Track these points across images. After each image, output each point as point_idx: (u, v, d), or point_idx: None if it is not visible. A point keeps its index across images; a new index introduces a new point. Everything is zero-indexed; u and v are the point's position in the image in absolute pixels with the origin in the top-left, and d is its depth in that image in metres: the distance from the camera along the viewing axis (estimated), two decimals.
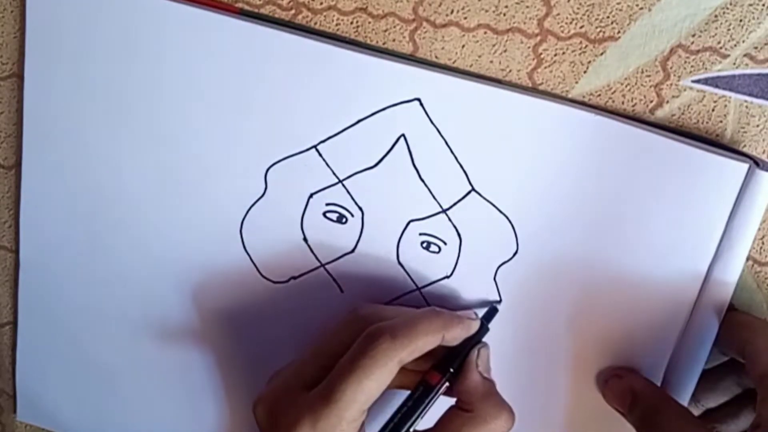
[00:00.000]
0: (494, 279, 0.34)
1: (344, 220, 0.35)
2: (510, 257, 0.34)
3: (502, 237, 0.33)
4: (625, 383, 0.33)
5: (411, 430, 0.31)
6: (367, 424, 0.31)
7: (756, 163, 0.30)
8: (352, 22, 0.33)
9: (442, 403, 0.32)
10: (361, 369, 0.29)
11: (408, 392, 0.32)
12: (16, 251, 0.40)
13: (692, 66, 0.31)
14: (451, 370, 0.32)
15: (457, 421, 0.31)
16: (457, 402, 0.32)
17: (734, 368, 0.33)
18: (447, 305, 0.35)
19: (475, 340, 0.33)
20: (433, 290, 0.35)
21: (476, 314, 0.34)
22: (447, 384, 0.32)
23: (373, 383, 0.29)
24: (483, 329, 0.33)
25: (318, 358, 0.32)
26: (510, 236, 0.33)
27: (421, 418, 0.31)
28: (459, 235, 0.34)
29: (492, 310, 0.34)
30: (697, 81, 0.31)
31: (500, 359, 0.35)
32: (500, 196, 0.33)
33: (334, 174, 0.34)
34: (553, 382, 0.35)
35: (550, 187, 0.32)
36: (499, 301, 0.35)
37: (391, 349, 0.29)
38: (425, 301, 0.35)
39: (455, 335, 0.32)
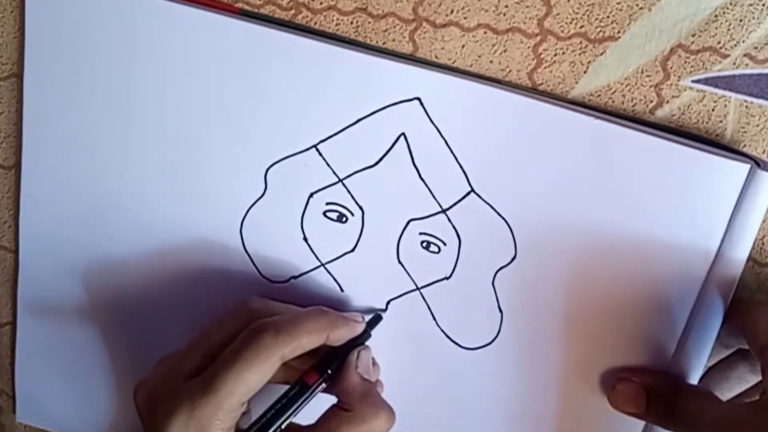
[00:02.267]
0: (492, 283, 0.34)
1: (344, 219, 0.35)
2: (508, 262, 0.34)
3: (501, 241, 0.33)
4: (636, 385, 0.32)
5: (283, 426, 0.31)
6: (248, 416, 0.32)
7: (757, 163, 0.30)
8: (352, 22, 0.33)
9: (325, 401, 0.32)
10: (243, 361, 0.30)
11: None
12: (16, 251, 0.40)
13: (692, 66, 0.31)
14: (329, 371, 0.32)
15: (336, 419, 0.31)
16: (337, 401, 0.32)
17: (743, 356, 0.33)
18: (446, 307, 0.35)
19: (357, 343, 0.34)
20: (432, 291, 0.35)
21: (363, 317, 0.34)
22: (324, 384, 0.32)
23: (254, 376, 0.30)
24: (366, 334, 0.34)
25: (202, 347, 0.32)
26: (509, 241, 0.33)
27: (294, 415, 0.31)
28: (458, 236, 0.34)
29: (376, 317, 0.35)
30: (697, 81, 0.31)
31: (499, 364, 0.35)
32: (499, 199, 0.33)
33: (334, 173, 0.34)
34: (552, 386, 0.35)
35: (549, 192, 0.32)
36: (385, 309, 0.35)
37: (273, 344, 0.30)
38: (425, 302, 0.35)
39: (339, 336, 0.32)
